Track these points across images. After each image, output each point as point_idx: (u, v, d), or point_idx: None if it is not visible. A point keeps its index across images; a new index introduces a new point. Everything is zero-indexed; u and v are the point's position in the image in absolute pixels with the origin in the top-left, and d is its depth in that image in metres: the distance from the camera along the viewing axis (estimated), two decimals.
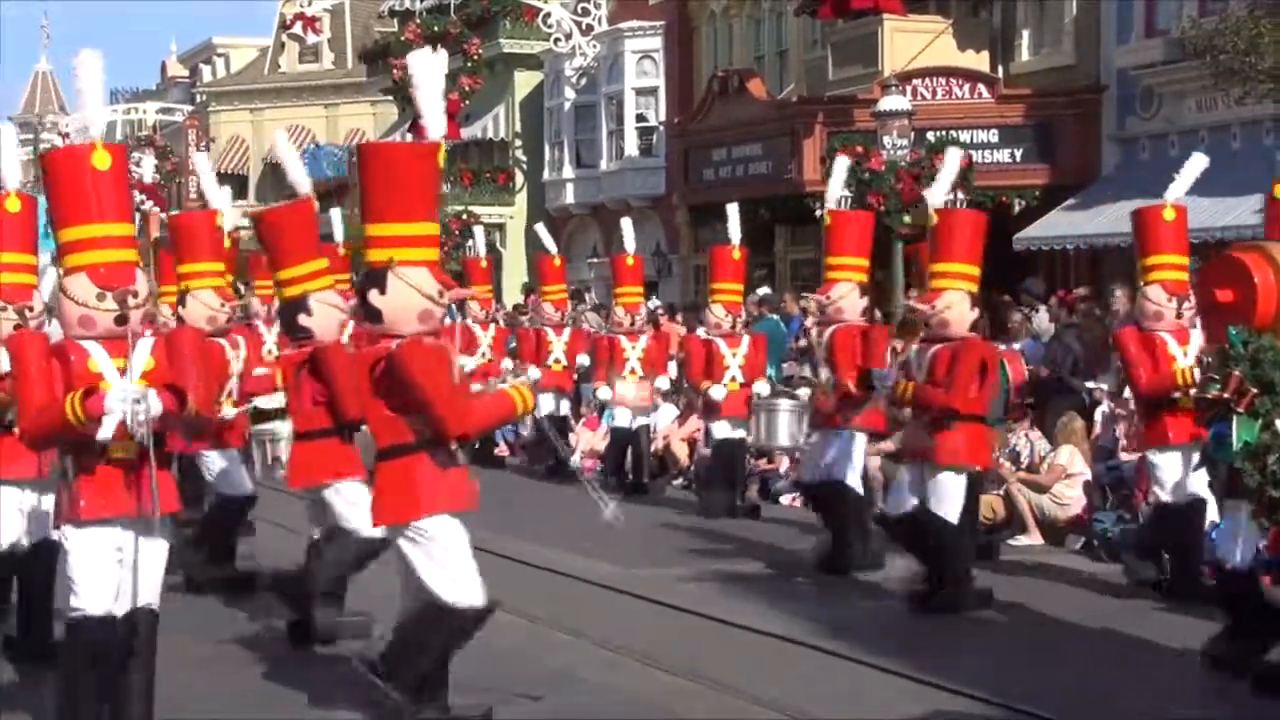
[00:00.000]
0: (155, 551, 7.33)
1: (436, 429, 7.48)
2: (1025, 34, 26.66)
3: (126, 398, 6.90)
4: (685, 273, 33.33)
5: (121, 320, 7.09)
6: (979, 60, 26.69)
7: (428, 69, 7.59)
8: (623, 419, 18.41)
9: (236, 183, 50.53)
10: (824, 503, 12.94)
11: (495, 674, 8.61)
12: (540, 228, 21.65)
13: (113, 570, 7.23)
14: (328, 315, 10.00)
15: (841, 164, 13.77)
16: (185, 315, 11.58)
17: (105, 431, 6.89)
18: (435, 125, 7.64)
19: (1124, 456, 14.46)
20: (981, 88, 26.03)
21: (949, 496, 10.99)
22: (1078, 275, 23.56)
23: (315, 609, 9.94)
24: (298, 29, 47.71)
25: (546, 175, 37.70)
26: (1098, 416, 15.21)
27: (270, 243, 10.25)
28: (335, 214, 17.80)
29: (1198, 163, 11.18)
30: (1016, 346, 16.43)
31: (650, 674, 9.46)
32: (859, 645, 9.97)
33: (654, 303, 23.53)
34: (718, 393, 15.68)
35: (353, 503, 9.69)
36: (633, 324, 18.45)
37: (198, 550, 11.70)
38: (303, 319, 9.93)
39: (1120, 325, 12.54)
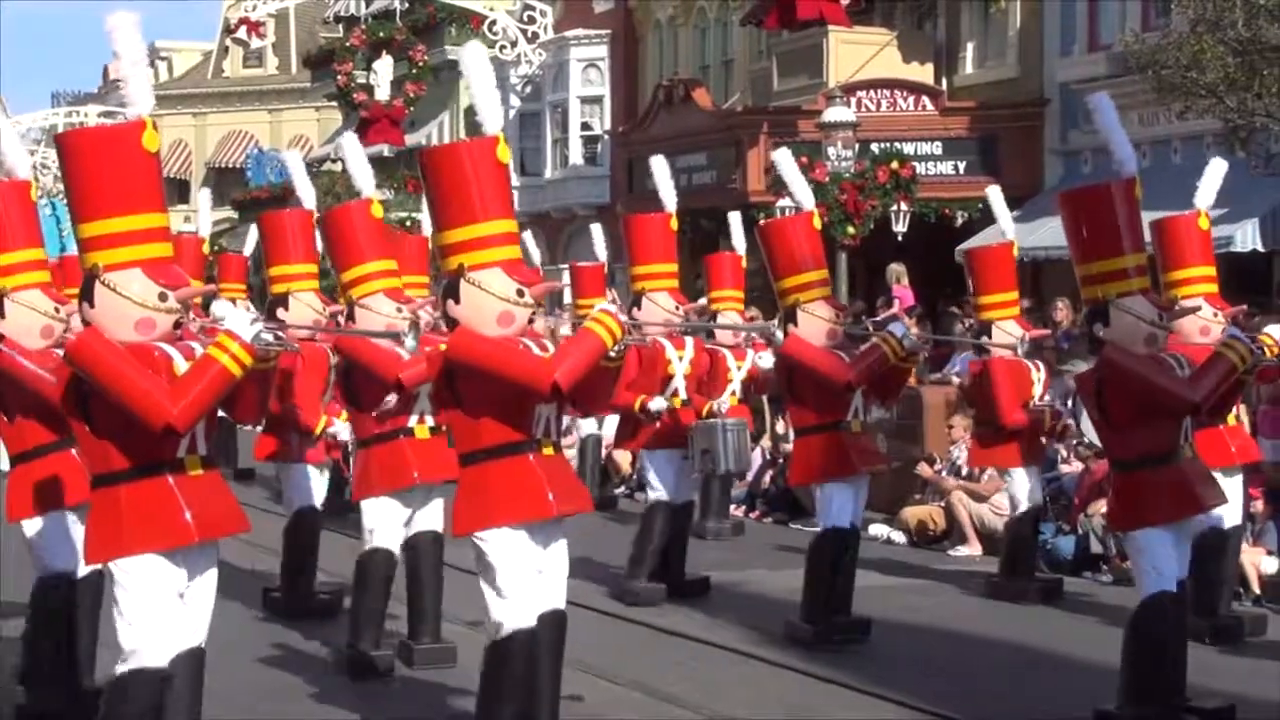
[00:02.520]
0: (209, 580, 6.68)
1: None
2: (969, 47, 26.77)
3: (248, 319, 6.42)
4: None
5: (178, 325, 6.59)
6: (923, 73, 26.79)
7: (478, 62, 7.13)
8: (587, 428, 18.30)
9: (179, 187, 50.27)
10: None
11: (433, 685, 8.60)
12: (527, 235, 20.68)
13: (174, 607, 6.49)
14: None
15: (784, 157, 11.33)
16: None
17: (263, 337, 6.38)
18: (492, 119, 7.11)
19: (1064, 469, 14.55)
20: (926, 100, 26.12)
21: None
22: (1021, 287, 23.62)
23: None
24: (242, 33, 47.31)
25: None
26: None
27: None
28: (253, 231, 17.59)
29: (1218, 168, 10.73)
30: (960, 358, 16.51)
31: (591, 681, 9.38)
32: (800, 656, 10.03)
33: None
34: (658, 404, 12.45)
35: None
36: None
37: None
38: None
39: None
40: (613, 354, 7.05)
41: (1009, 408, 12.08)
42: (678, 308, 11.95)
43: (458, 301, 7.07)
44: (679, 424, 12.13)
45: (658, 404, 12.08)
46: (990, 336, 12.17)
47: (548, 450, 7.16)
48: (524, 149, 36.39)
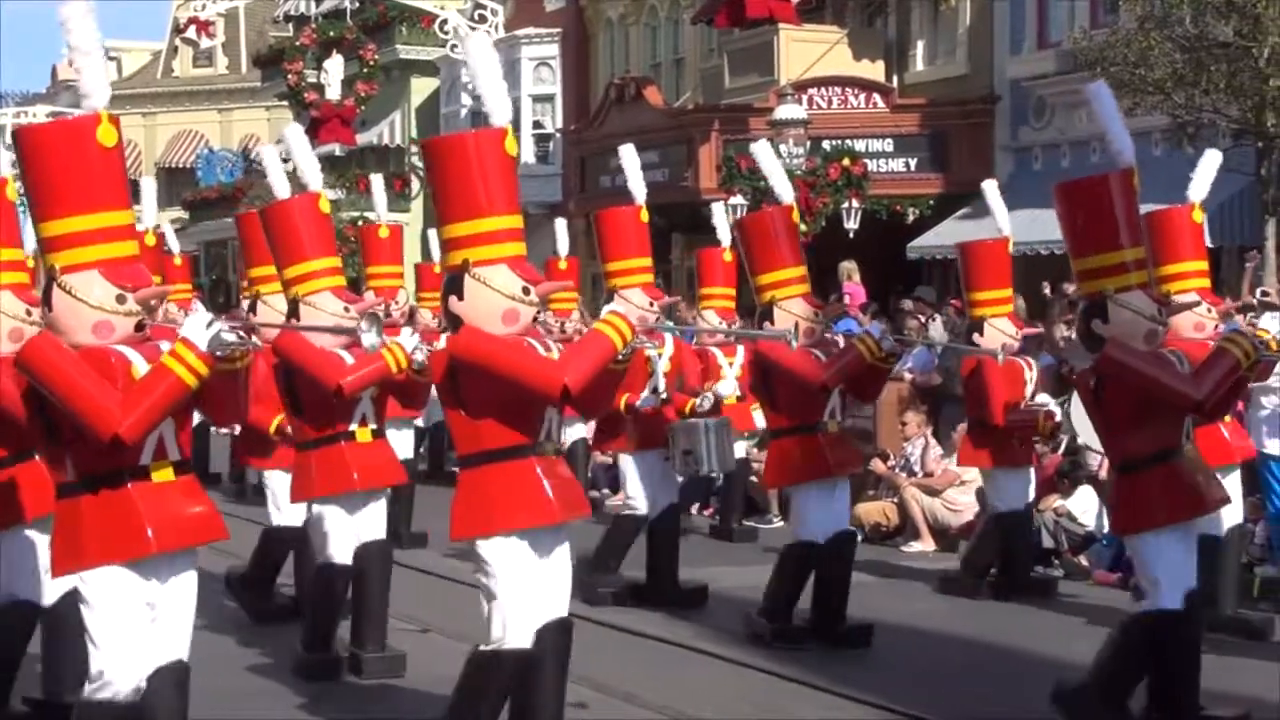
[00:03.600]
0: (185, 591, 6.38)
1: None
2: (919, 45, 26.88)
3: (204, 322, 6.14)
4: (584, 280, 33.29)
5: (141, 327, 6.23)
6: (874, 70, 26.88)
7: (484, 52, 6.94)
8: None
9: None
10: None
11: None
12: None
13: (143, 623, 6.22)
14: None
15: (763, 150, 11.33)
16: None
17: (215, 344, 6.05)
18: (500, 111, 6.89)
19: None
20: (876, 97, 26.21)
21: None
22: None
23: None
24: (191, 33, 47.10)
25: None
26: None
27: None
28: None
29: (1212, 160, 10.38)
30: (912, 355, 16.54)
31: None
32: (765, 655, 10.00)
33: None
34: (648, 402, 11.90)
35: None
36: (563, 330, 17.44)
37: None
38: None
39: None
40: (620, 357, 6.90)
41: (1001, 408, 11.77)
42: (651, 303, 11.34)
43: (461, 298, 6.84)
44: (661, 423, 11.59)
45: (645, 401, 11.56)
46: (982, 334, 11.82)
47: (550, 453, 7.00)
48: None
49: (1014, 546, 12.08)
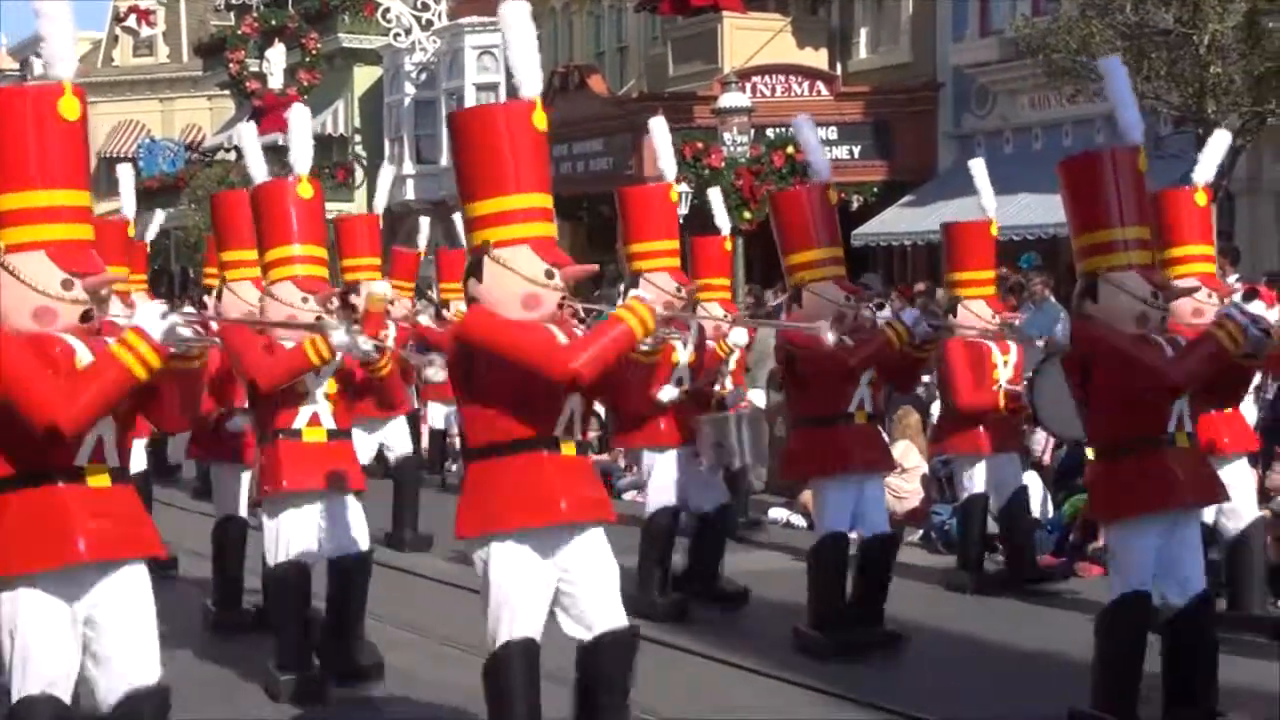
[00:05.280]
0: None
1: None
2: (863, 32, 26.97)
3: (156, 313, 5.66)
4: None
5: (87, 317, 5.71)
6: (817, 58, 26.95)
7: (519, 20, 6.48)
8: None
9: None
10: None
11: None
12: (424, 221, 19.59)
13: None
14: None
15: (804, 123, 10.71)
16: None
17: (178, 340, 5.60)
18: (530, 82, 6.47)
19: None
20: (820, 85, 26.29)
21: None
22: (915, 271, 23.88)
23: None
24: (131, 21, 47.04)
25: None
26: (933, 410, 15.38)
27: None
28: (158, 216, 17.20)
29: (1221, 140, 9.84)
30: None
31: None
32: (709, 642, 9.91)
33: None
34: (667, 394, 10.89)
35: None
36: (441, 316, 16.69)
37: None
38: None
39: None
40: (644, 347, 6.46)
41: (965, 389, 11.39)
42: (679, 288, 10.33)
43: (480, 280, 6.39)
44: (687, 416, 10.78)
45: (667, 393, 10.61)
46: (956, 315, 11.27)
47: (568, 450, 6.43)
48: (419, 136, 36.32)
49: (1014, 536, 11.79)
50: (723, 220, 12.30)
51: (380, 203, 14.23)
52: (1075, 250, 7.61)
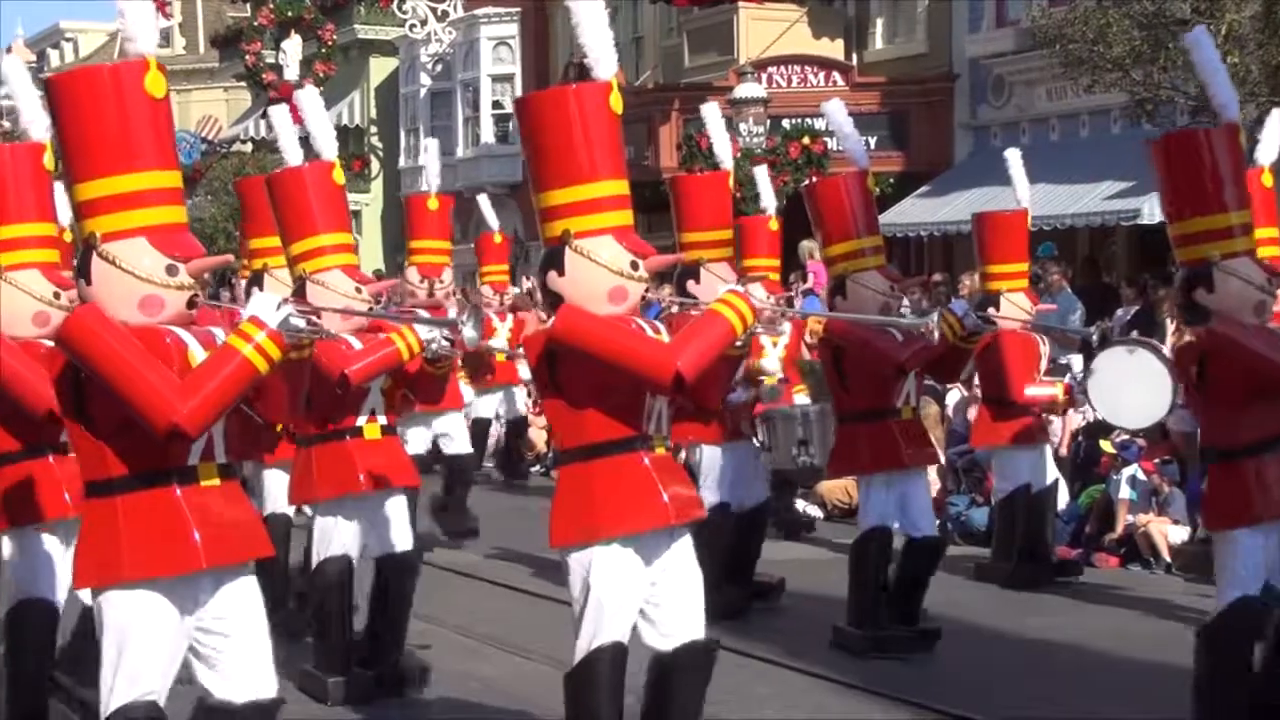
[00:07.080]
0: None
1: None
2: (879, 23, 26.94)
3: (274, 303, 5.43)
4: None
5: (193, 304, 5.45)
6: (833, 48, 26.91)
7: (591, 5, 6.19)
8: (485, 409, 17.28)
9: None
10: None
11: None
12: (483, 199, 18.98)
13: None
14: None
15: (835, 107, 10.27)
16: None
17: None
18: (606, 64, 6.19)
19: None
20: (836, 76, 26.24)
21: None
22: (931, 262, 23.84)
23: None
24: None
25: (403, 162, 37.47)
26: (950, 401, 15.38)
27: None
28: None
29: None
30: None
31: (505, 657, 9.37)
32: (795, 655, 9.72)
33: (526, 284, 22.46)
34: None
35: None
36: (501, 303, 16.95)
37: None
38: None
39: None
40: (739, 342, 6.26)
41: (1019, 383, 11.36)
42: (769, 298, 9.29)
43: (561, 273, 6.08)
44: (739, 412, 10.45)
45: (742, 394, 10.17)
46: (998, 308, 11.02)
47: (660, 449, 6.20)
48: (435, 127, 36.26)
49: (1035, 528, 11.71)
50: (769, 200, 11.81)
51: (434, 182, 14.01)
52: (1176, 236, 7.22)
